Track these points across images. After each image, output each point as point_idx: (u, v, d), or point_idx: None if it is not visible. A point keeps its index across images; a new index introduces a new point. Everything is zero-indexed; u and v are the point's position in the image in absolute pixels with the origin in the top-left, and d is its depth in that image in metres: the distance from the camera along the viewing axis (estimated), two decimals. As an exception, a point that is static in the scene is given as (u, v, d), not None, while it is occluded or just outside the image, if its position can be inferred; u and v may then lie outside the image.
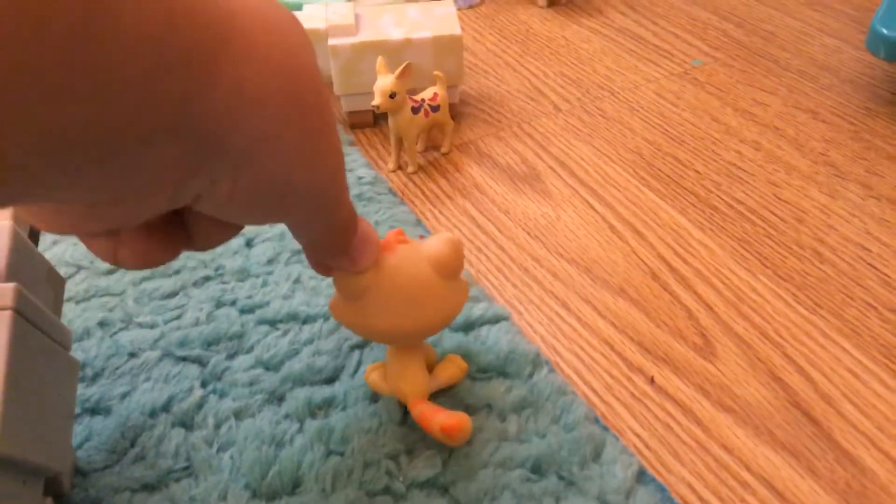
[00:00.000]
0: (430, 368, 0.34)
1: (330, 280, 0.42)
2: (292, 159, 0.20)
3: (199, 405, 0.35)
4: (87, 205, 0.18)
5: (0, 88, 0.12)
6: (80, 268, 0.44)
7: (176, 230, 0.23)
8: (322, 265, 0.29)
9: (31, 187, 0.15)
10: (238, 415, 0.35)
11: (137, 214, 0.19)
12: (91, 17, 0.13)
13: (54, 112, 0.13)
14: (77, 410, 0.35)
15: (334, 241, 0.27)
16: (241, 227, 0.25)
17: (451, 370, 0.35)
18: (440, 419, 0.31)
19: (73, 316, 0.40)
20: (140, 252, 0.22)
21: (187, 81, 0.15)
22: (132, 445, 0.34)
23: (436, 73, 0.52)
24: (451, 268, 0.31)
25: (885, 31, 0.52)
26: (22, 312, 0.26)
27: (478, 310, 0.40)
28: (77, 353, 0.38)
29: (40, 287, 0.31)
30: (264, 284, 0.42)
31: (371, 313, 0.30)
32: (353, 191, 0.49)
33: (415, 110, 0.49)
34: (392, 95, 0.47)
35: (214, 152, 0.18)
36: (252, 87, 0.17)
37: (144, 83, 0.14)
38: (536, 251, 0.45)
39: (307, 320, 0.39)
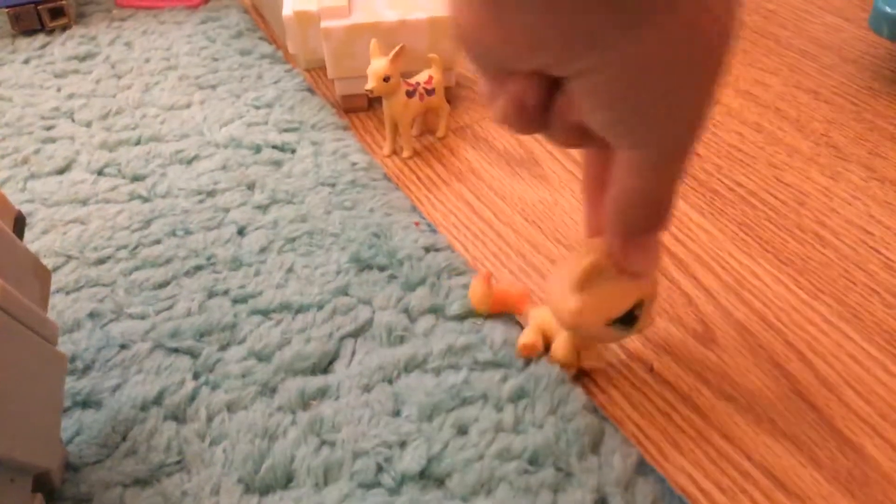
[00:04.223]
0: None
1: (322, 269, 0.41)
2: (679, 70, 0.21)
3: (191, 398, 0.35)
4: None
5: None
6: (69, 258, 0.43)
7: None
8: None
9: None
10: (230, 407, 0.34)
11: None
12: None
13: None
14: (67, 404, 0.35)
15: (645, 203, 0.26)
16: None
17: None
18: None
19: (62, 307, 0.40)
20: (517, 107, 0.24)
21: None
22: (123, 439, 0.33)
23: (431, 55, 0.50)
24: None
25: (888, 9, 0.51)
26: (5, 308, 0.26)
27: (474, 298, 0.39)
28: (67, 345, 0.37)
29: (25, 281, 0.30)
30: (257, 274, 0.41)
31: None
32: (347, 177, 0.48)
33: (410, 94, 0.48)
34: (386, 79, 0.46)
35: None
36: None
37: None
38: (534, 237, 0.44)
39: (300, 310, 0.39)
